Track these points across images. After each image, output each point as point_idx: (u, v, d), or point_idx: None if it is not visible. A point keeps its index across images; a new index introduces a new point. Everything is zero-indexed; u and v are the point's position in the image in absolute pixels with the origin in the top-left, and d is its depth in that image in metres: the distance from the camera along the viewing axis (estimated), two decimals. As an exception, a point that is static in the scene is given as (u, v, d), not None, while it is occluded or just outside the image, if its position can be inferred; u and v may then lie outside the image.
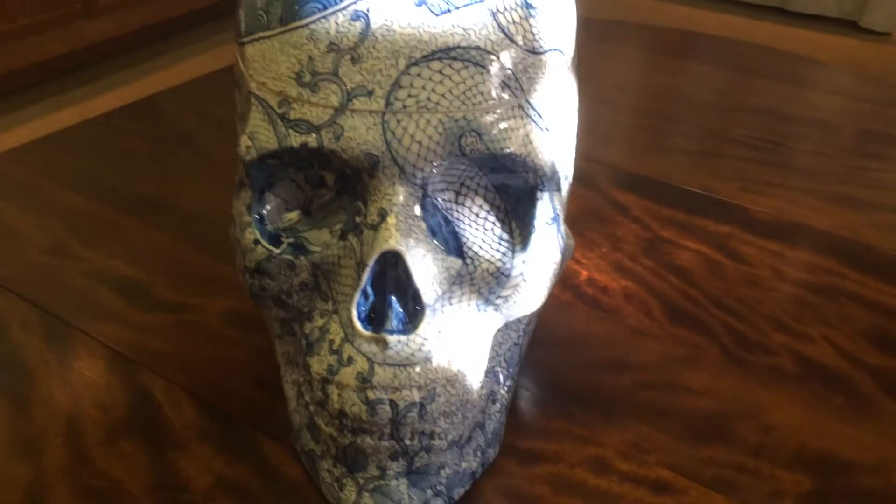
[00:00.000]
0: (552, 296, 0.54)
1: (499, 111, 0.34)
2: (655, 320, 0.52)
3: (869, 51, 2.25)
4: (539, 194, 0.37)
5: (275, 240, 0.37)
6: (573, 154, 0.41)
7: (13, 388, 0.45)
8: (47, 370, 0.46)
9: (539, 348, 0.48)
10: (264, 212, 0.37)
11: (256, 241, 0.37)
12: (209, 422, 0.43)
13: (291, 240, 0.37)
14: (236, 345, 0.48)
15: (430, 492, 0.38)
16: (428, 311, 0.35)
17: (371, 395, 0.35)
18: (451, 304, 0.37)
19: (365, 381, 0.35)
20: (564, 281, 0.55)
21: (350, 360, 0.35)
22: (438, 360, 0.35)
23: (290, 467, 0.41)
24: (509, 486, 0.40)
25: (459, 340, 0.36)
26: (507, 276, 0.37)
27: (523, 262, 0.37)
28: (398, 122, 0.33)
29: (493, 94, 0.34)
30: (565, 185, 0.40)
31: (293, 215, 0.38)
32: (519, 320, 0.41)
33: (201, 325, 0.50)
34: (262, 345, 0.47)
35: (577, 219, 0.60)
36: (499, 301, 0.38)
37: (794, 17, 2.44)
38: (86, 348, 0.48)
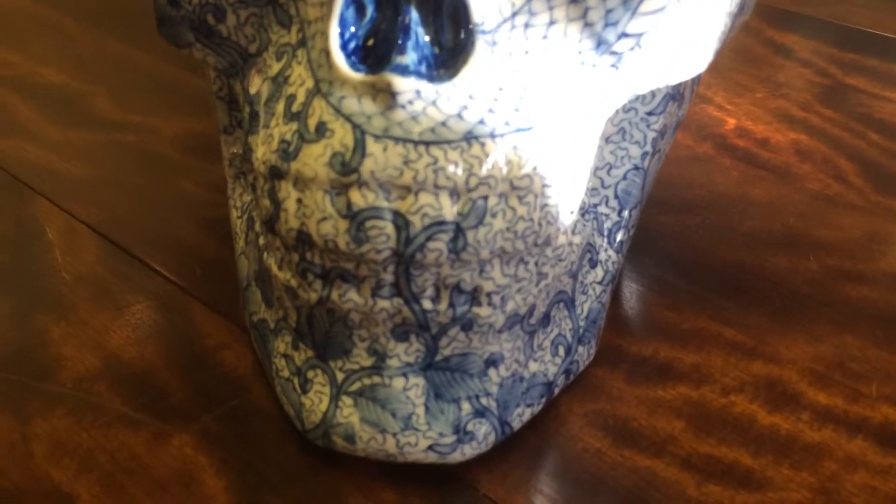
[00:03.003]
0: (682, 146, 0.36)
1: None
2: (851, 186, 0.33)
3: None
4: None
5: None
6: None
7: None
8: None
9: (663, 213, 0.30)
10: None
11: None
12: (117, 275, 0.27)
13: None
14: (188, 174, 0.32)
15: (466, 406, 0.20)
16: (480, 43, 0.17)
17: (357, 199, 0.17)
18: (526, 35, 0.18)
19: (347, 169, 0.17)
20: (699, 130, 0.36)
21: (321, 130, 0.17)
22: (497, 144, 0.17)
23: (233, 352, 0.24)
24: (612, 415, 0.23)
25: (539, 109, 0.18)
26: (645, -11, 0.19)
27: (678, -35, 0.19)
28: None
29: None
30: None
31: None
32: (650, 112, 0.22)
33: (145, 148, 0.34)
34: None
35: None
36: (622, 45, 0.19)
37: None
38: (-37, 166, 0.32)
